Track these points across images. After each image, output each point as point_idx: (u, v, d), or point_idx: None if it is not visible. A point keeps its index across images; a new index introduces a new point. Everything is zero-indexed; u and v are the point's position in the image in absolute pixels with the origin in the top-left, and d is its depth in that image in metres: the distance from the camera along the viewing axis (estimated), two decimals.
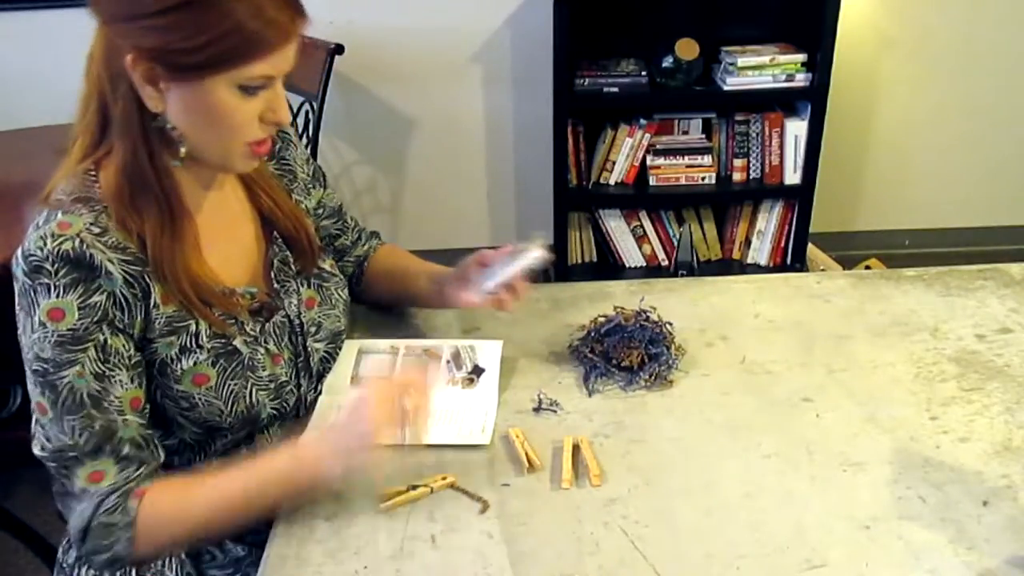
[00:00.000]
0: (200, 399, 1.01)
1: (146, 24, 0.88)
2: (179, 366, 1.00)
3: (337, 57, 2.42)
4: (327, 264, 1.20)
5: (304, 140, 2.42)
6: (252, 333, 1.06)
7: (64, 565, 1.13)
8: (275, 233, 1.13)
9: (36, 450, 0.96)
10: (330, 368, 1.18)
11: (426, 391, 1.02)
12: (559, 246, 2.90)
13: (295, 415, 1.12)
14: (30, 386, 0.95)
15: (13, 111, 2.58)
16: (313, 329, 1.14)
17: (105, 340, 0.94)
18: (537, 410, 1.13)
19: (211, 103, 0.93)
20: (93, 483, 0.94)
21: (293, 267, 1.13)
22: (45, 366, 0.92)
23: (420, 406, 1.00)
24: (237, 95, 0.93)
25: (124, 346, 0.95)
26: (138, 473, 0.96)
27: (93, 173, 0.98)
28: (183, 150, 0.97)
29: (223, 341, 1.02)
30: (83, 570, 1.10)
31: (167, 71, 0.90)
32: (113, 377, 0.94)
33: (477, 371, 1.20)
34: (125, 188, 0.96)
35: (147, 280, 0.97)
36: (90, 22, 0.93)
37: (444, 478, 1.01)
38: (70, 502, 0.96)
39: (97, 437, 0.93)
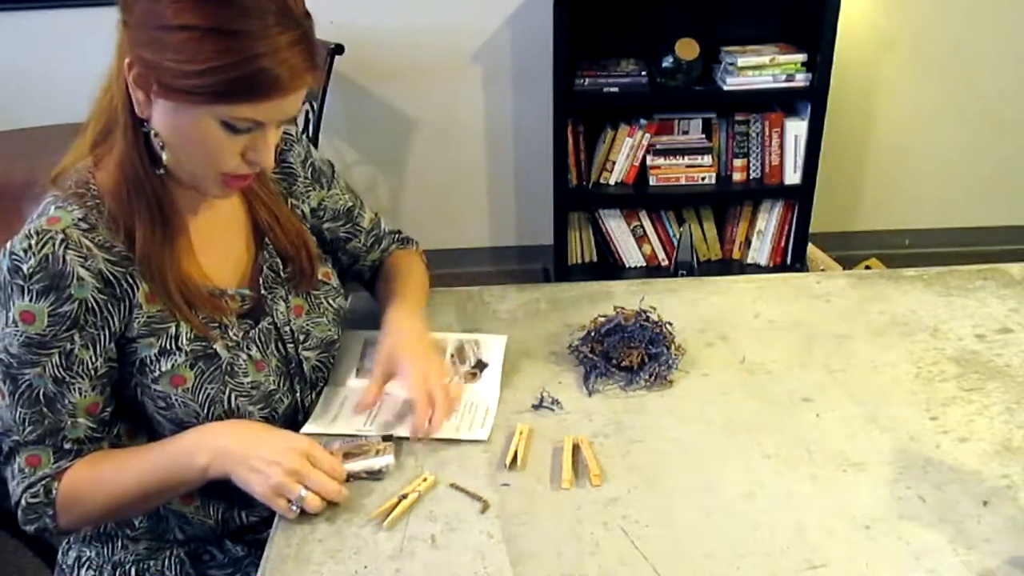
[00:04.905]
0: (177, 400, 1.01)
1: (150, 35, 0.88)
2: (157, 367, 1.00)
3: (337, 57, 2.42)
4: (321, 273, 1.18)
5: (304, 140, 2.41)
6: (235, 338, 1.05)
7: (64, 565, 1.13)
8: (266, 240, 1.12)
9: None
10: (324, 377, 1.17)
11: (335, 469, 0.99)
12: (559, 246, 2.90)
13: (293, 420, 1.12)
14: None
15: (13, 111, 2.58)
16: (302, 337, 1.13)
17: (72, 349, 0.95)
18: (537, 407, 1.13)
19: (191, 127, 0.92)
20: (29, 466, 0.98)
21: (282, 274, 1.12)
22: (11, 360, 0.95)
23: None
24: (220, 129, 0.92)
25: (91, 357, 0.97)
26: (72, 463, 0.99)
27: (92, 169, 0.98)
28: (165, 156, 0.96)
29: (203, 344, 1.02)
30: (83, 570, 1.10)
31: (156, 85, 0.90)
32: (72, 384, 0.97)
33: (480, 366, 1.20)
34: (122, 186, 0.97)
35: (131, 279, 0.97)
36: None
37: (425, 479, 1.00)
38: (8, 471, 1.00)
39: (41, 430, 0.97)
